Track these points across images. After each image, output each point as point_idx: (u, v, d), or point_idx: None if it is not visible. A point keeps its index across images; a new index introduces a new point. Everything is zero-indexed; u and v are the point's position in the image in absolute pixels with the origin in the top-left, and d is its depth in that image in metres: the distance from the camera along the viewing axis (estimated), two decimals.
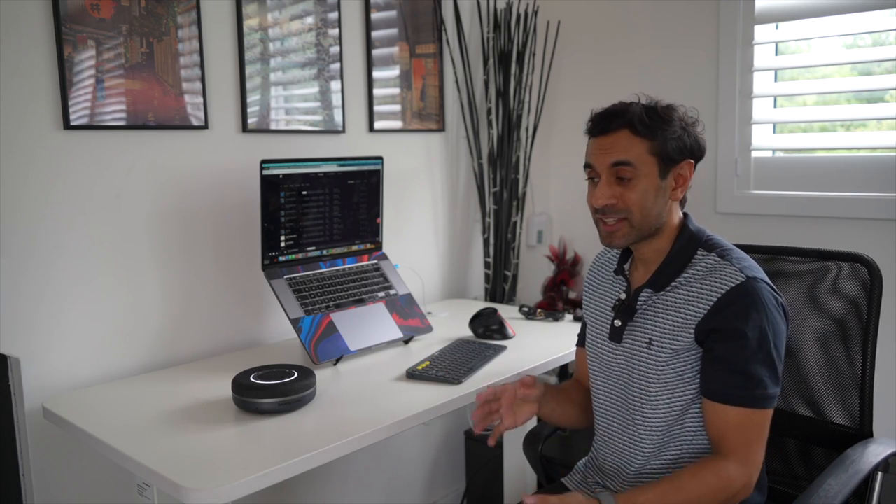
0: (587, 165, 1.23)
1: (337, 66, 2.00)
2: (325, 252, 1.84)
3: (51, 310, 1.52)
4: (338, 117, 2.02)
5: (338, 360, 1.66)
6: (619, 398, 1.27)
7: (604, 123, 1.20)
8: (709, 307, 1.14)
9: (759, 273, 1.17)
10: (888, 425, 1.87)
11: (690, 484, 1.12)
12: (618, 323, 1.26)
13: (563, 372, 2.39)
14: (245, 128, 1.81)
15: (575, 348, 1.50)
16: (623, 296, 1.28)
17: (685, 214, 1.26)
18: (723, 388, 1.13)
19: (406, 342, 1.82)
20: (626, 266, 1.31)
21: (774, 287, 1.18)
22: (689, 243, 1.22)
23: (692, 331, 1.15)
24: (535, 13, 2.44)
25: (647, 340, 1.21)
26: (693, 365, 1.17)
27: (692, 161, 1.22)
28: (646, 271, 1.26)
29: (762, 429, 1.13)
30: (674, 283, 1.21)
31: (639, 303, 1.24)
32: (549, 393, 1.37)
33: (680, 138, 1.19)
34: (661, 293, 1.22)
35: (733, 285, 1.13)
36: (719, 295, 1.14)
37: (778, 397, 1.14)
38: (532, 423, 1.95)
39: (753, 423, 1.12)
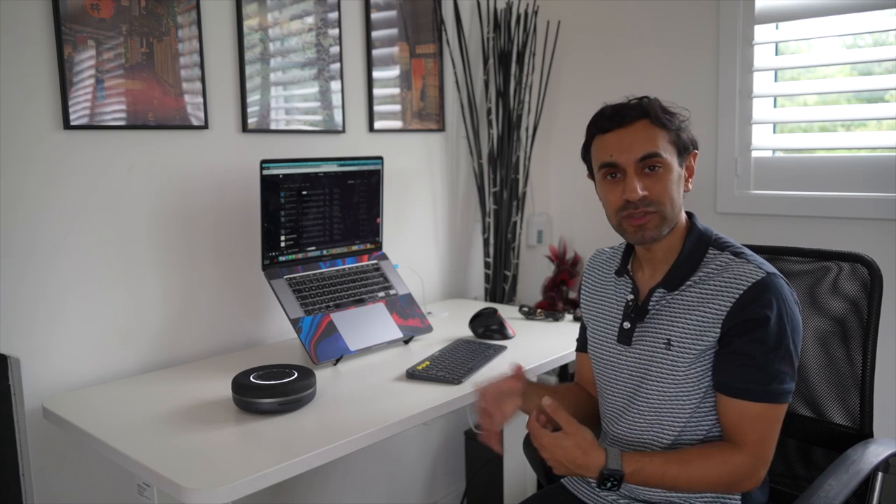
0: (608, 164, 1.19)
1: (337, 66, 2.00)
2: (325, 252, 1.84)
3: (51, 310, 1.52)
4: (338, 117, 2.02)
5: (338, 360, 1.66)
6: (629, 401, 1.25)
7: (620, 117, 1.18)
8: (732, 302, 1.13)
9: (776, 270, 1.17)
10: (888, 425, 1.87)
11: (697, 461, 1.12)
12: (626, 325, 1.25)
13: (563, 372, 2.39)
14: (245, 128, 1.81)
15: (575, 353, 1.48)
16: (630, 297, 1.27)
17: (689, 213, 1.26)
18: (741, 383, 1.13)
19: (406, 342, 1.82)
20: (629, 266, 1.30)
21: (790, 284, 1.18)
22: (700, 242, 1.22)
23: (718, 329, 1.14)
24: (535, 13, 2.44)
25: (666, 341, 1.19)
26: (710, 362, 1.17)
27: (696, 152, 1.24)
28: (653, 271, 1.25)
29: (777, 423, 1.13)
30: (688, 283, 1.20)
31: (651, 303, 1.23)
32: (534, 389, 1.32)
33: (686, 129, 1.21)
34: (676, 293, 1.20)
35: (755, 280, 1.13)
36: (742, 290, 1.13)
37: (793, 391, 1.13)
38: None
39: (770, 417, 1.12)
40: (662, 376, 1.20)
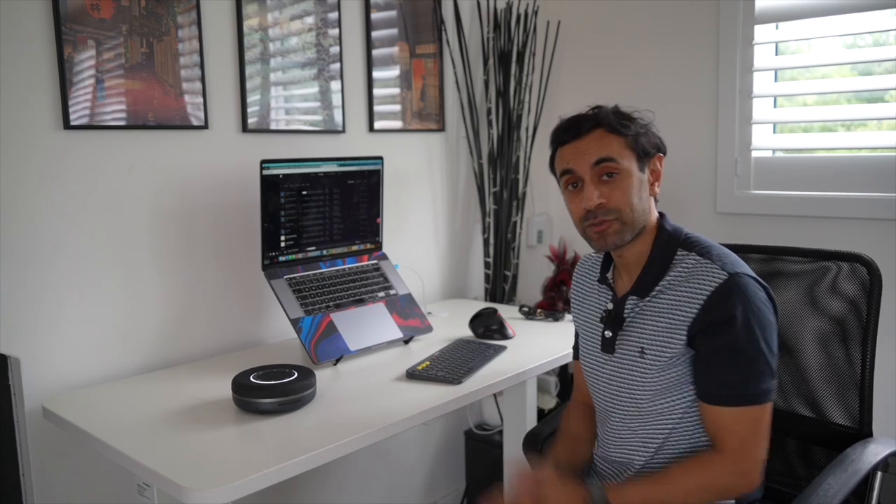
0: (566, 172, 1.22)
1: (337, 66, 2.00)
2: (325, 252, 1.84)
3: (51, 310, 1.52)
4: (338, 117, 2.02)
5: (338, 360, 1.66)
6: (616, 405, 1.26)
7: (576, 128, 1.21)
8: (698, 308, 1.13)
9: (742, 267, 1.16)
10: (888, 425, 1.87)
11: (679, 479, 1.13)
12: (608, 334, 1.25)
13: (563, 372, 2.39)
14: (245, 128, 1.81)
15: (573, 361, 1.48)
16: (609, 305, 1.27)
17: (661, 214, 1.26)
18: (715, 389, 1.13)
19: (406, 342, 1.82)
20: (609, 274, 1.30)
21: (760, 279, 1.16)
22: (668, 244, 1.21)
23: (684, 334, 1.15)
24: (535, 13, 2.44)
25: (640, 349, 1.20)
26: (688, 369, 1.17)
27: (662, 155, 1.24)
28: (629, 277, 1.25)
29: (759, 423, 1.12)
30: (658, 288, 1.19)
31: (626, 311, 1.23)
32: (558, 453, 1.35)
33: (647, 133, 1.22)
34: (647, 299, 1.20)
35: (718, 283, 1.12)
36: (706, 295, 1.13)
37: (774, 389, 1.13)
38: (532, 423, 1.96)
39: (750, 419, 1.11)
40: (637, 384, 1.20)
